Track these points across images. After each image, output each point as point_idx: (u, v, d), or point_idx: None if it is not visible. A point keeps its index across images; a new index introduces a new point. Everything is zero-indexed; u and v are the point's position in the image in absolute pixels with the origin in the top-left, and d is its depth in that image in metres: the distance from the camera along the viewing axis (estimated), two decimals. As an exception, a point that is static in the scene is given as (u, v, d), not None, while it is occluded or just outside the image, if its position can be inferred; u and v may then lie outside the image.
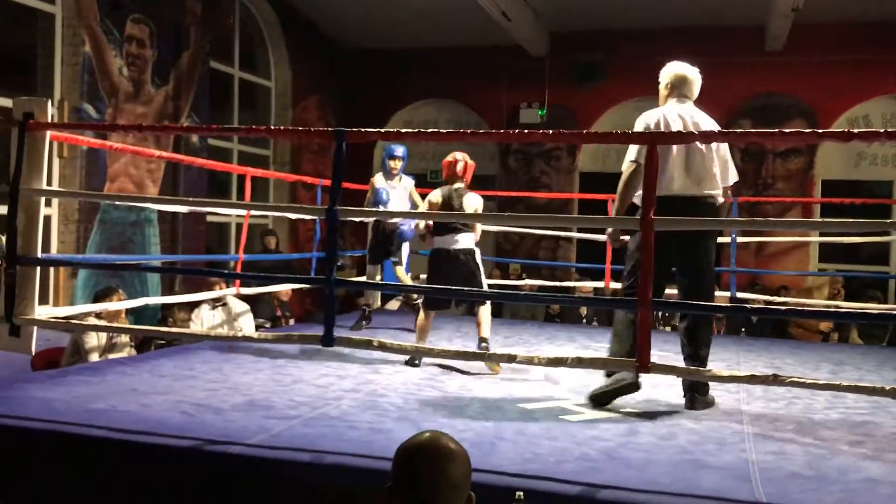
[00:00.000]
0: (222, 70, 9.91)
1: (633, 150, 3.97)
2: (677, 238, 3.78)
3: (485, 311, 5.15)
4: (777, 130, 3.29)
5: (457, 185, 5.20)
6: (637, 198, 3.83)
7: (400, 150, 6.58)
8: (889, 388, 2.95)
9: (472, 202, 5.15)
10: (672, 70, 4.27)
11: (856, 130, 2.82)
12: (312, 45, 11.38)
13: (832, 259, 10.36)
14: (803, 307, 7.47)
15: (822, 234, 9.12)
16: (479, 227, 5.32)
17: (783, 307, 6.48)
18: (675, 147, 3.90)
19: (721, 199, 4.07)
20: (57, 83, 7.39)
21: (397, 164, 6.53)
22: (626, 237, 4.25)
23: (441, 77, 11.56)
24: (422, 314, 5.21)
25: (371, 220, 6.53)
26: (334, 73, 11.89)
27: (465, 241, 5.12)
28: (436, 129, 3.79)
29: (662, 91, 4.23)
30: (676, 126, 3.96)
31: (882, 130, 2.97)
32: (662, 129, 3.94)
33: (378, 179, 6.54)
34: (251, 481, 2.95)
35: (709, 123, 4.09)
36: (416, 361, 4.95)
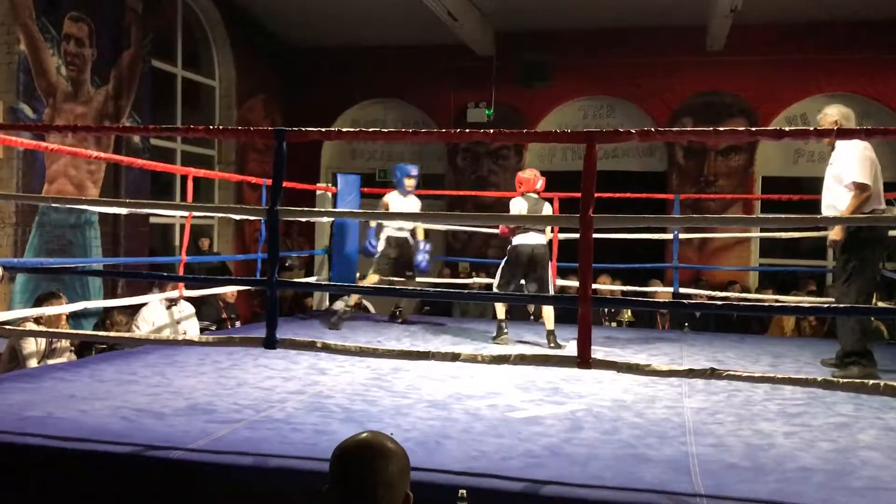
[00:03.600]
0: (165, 69, 9.75)
1: (864, 174, 4.59)
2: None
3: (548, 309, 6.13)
4: (713, 129, 3.36)
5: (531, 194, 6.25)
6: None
7: (415, 169, 6.99)
8: (822, 380, 3.03)
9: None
10: (843, 108, 4.95)
11: (787, 129, 2.89)
12: (257, 44, 11.26)
13: (773, 254, 10.60)
14: (743, 301, 7.62)
15: (762, 230, 9.33)
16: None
17: (720, 302, 6.59)
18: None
19: None
20: (-10, 83, 7.20)
21: (412, 183, 6.87)
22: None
23: (388, 76, 11.55)
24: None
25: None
26: (280, 72, 11.78)
27: (542, 239, 6.23)
28: (379, 129, 3.78)
29: (842, 123, 4.81)
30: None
31: (812, 129, 3.05)
32: (870, 151, 4.70)
33: (393, 198, 6.83)
34: (192, 487, 2.91)
35: None
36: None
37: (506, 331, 6.17)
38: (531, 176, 6.30)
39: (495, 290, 6.19)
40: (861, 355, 4.74)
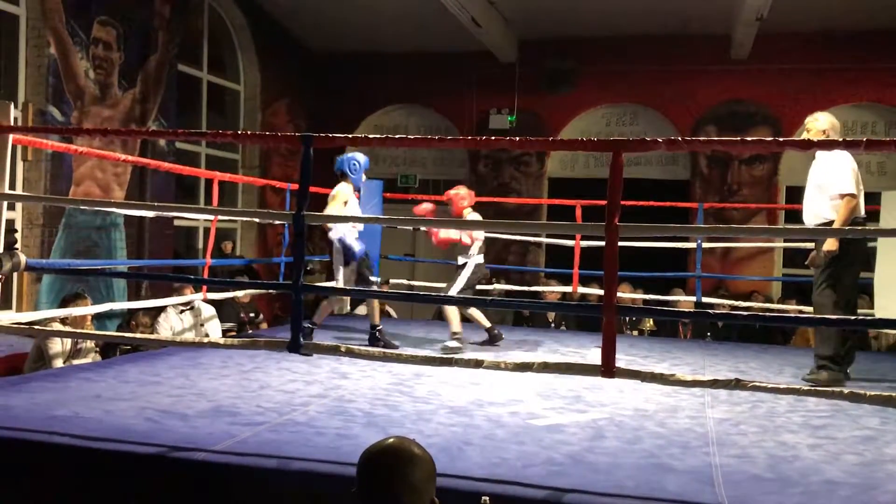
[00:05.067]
0: (191, 73, 9.84)
1: (848, 184, 4.68)
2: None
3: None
4: (741, 139, 3.35)
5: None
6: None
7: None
8: (847, 392, 3.00)
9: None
10: (834, 119, 5.00)
11: (816, 139, 2.88)
12: (282, 49, 11.34)
13: (796, 264, 10.50)
14: (768, 312, 7.56)
15: (786, 240, 9.24)
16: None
17: (745, 312, 6.55)
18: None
19: None
20: (21, 85, 7.29)
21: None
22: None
23: (411, 82, 11.58)
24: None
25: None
26: (304, 77, 11.85)
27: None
28: (405, 135, 3.80)
29: (830, 134, 4.87)
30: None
31: (840, 140, 3.04)
32: (854, 162, 4.78)
33: (350, 192, 5.91)
34: (216, 488, 2.93)
35: None
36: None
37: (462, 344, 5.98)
38: (468, 192, 6.53)
39: (454, 295, 6.11)
40: (832, 360, 4.82)
